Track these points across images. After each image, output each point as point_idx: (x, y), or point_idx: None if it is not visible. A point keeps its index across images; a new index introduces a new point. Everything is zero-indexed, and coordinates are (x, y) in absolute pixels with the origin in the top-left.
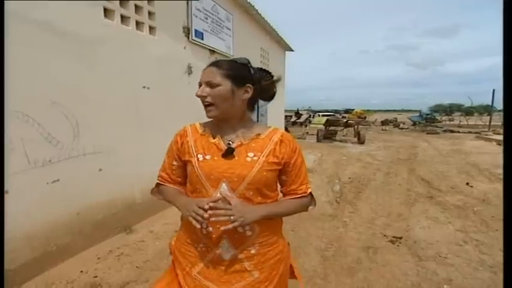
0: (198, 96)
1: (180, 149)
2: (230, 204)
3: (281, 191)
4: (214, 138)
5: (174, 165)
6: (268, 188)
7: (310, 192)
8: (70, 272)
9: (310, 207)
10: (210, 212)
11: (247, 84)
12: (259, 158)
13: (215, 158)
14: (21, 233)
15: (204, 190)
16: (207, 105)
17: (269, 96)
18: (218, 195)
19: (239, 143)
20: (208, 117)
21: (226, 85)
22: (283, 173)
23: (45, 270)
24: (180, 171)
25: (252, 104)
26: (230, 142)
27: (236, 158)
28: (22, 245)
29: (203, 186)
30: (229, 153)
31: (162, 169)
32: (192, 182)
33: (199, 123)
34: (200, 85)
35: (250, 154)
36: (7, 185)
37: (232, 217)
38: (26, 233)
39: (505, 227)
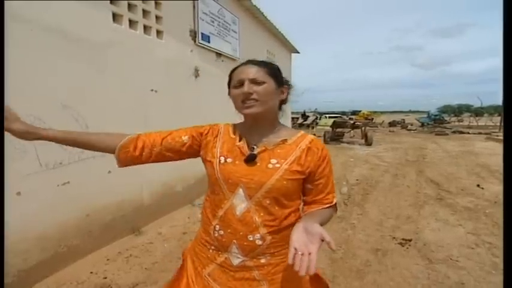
0: (244, 93)
1: (203, 142)
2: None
3: (304, 200)
4: (240, 140)
5: (180, 138)
6: (287, 198)
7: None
8: (80, 273)
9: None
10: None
11: (284, 85)
12: (281, 165)
13: (236, 162)
14: (32, 234)
15: (222, 193)
16: (248, 102)
17: (286, 100)
18: (234, 201)
19: (263, 148)
20: (249, 113)
21: (271, 83)
22: (308, 182)
23: (56, 271)
24: (171, 148)
25: (280, 106)
26: (254, 146)
27: (258, 164)
28: (33, 245)
29: (221, 189)
30: (251, 159)
31: (149, 133)
32: (210, 183)
33: (232, 125)
34: (241, 83)
35: (273, 161)
36: (20, 187)
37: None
38: (37, 234)
39: (505, 227)
